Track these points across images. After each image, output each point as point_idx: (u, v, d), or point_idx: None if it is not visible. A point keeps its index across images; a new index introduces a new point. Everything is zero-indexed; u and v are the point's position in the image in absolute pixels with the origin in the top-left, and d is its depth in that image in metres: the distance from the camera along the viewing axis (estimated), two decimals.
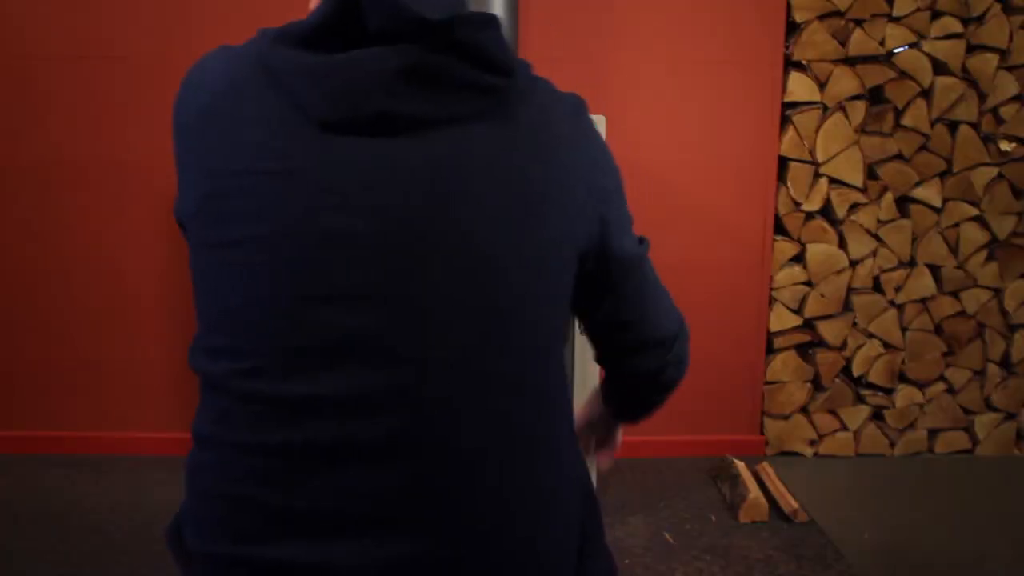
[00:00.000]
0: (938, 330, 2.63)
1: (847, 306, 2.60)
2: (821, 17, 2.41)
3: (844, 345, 2.60)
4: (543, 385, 0.77)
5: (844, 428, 2.65)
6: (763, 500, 2.20)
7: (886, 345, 2.61)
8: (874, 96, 2.49)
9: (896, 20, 2.43)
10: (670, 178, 2.49)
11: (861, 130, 2.48)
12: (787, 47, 2.46)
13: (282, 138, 0.70)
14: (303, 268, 0.69)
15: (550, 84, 0.79)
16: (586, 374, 2.00)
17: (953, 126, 2.51)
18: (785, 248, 2.54)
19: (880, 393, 2.64)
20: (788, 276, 2.56)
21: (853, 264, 2.56)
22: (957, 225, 2.56)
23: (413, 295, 0.69)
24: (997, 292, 2.62)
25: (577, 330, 1.95)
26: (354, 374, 0.69)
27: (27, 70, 2.40)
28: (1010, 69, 2.48)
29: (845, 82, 2.44)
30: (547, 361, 0.77)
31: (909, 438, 2.67)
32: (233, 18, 2.36)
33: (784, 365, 2.61)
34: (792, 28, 2.45)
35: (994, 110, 2.50)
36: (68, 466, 2.48)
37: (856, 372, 2.61)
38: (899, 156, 2.51)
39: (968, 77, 2.47)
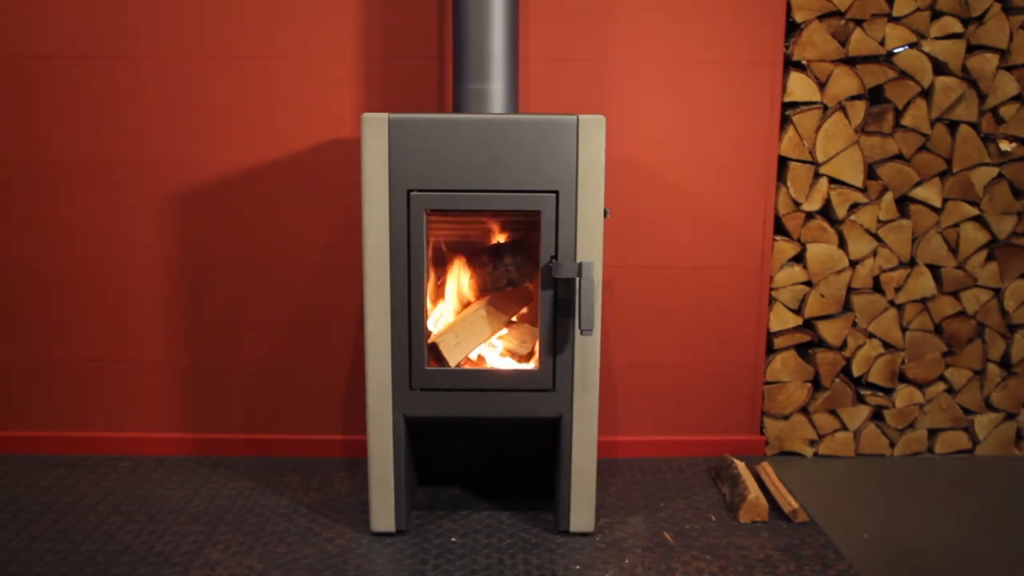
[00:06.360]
0: (938, 330, 2.63)
1: (847, 306, 2.60)
2: (821, 17, 2.42)
3: (844, 345, 2.60)
4: None
5: (844, 428, 2.65)
6: (763, 500, 2.20)
7: (886, 345, 2.62)
8: (874, 96, 2.49)
9: (896, 20, 2.43)
10: (670, 178, 2.50)
11: (861, 130, 2.48)
12: (787, 47, 2.46)
13: None
14: None
15: None
16: (586, 373, 2.00)
17: (953, 126, 2.51)
18: (785, 248, 2.54)
19: (880, 393, 2.64)
20: (788, 276, 2.56)
21: (853, 264, 2.56)
22: (957, 225, 2.57)
23: None
24: (997, 292, 2.62)
25: (577, 330, 1.95)
26: None
27: (27, 70, 2.40)
28: (1010, 69, 2.48)
29: (845, 82, 2.45)
30: None
31: (909, 438, 2.68)
32: (234, 17, 2.36)
33: (784, 365, 2.61)
34: (792, 28, 2.45)
35: (994, 110, 2.50)
36: (68, 466, 2.48)
37: (856, 372, 2.62)
38: (899, 156, 2.51)
39: (968, 77, 2.47)
